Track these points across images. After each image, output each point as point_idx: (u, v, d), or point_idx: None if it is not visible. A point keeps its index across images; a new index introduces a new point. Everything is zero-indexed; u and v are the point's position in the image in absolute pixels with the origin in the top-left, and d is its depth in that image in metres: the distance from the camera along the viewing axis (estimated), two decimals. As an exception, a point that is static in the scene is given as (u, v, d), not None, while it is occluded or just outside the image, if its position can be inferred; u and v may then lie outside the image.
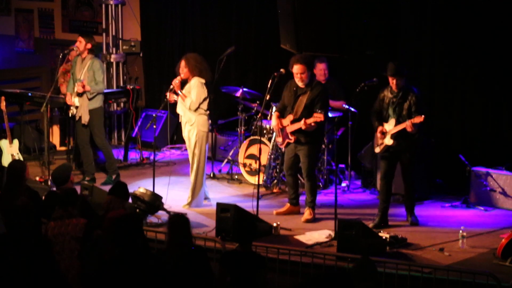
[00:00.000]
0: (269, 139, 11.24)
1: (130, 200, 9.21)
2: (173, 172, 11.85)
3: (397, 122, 9.51)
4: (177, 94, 10.32)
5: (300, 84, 9.81)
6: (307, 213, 9.95)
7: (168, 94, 10.39)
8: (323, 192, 10.97)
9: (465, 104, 11.10)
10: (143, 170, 12.26)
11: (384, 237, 8.84)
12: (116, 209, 7.87)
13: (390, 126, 9.58)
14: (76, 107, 11.20)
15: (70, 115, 11.41)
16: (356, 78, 10.64)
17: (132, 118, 12.98)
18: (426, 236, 9.35)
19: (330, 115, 10.68)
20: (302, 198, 10.20)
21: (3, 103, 11.78)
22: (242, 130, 11.92)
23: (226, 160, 12.10)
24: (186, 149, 10.79)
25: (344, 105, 11.03)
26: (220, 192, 11.09)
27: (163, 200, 9.87)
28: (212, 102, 10.72)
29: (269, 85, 9.87)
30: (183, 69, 10.30)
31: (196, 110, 10.25)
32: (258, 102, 11.77)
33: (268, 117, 11.31)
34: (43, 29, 14.93)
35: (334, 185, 10.09)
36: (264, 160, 11.01)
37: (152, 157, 11.69)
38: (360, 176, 11.46)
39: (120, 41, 13.86)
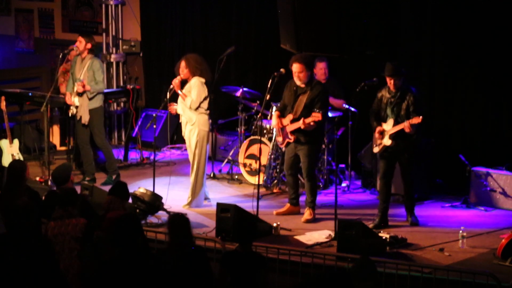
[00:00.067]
0: (269, 139, 11.24)
1: (130, 200, 9.21)
2: (173, 172, 11.85)
3: (396, 122, 9.51)
4: (174, 105, 10.35)
5: (298, 83, 9.82)
6: (307, 213, 9.95)
7: (169, 106, 10.44)
8: (323, 192, 10.97)
9: (465, 104, 11.11)
10: (143, 170, 12.26)
11: (384, 237, 8.84)
12: (116, 209, 7.89)
13: (388, 126, 9.58)
14: (76, 107, 11.21)
15: (70, 115, 11.41)
16: (356, 78, 10.64)
17: (132, 118, 12.99)
18: (426, 236, 9.35)
19: (330, 114, 10.69)
20: (302, 198, 10.21)
21: (3, 103, 11.79)
22: (242, 130, 11.92)
23: (226, 160, 12.09)
24: (186, 149, 10.79)
25: (344, 105, 11.04)
26: (220, 192, 11.09)
27: (163, 200, 9.87)
28: (212, 102, 10.72)
29: (269, 85, 9.88)
30: (183, 70, 10.30)
31: (196, 109, 10.25)
32: (258, 102, 11.77)
33: (268, 117, 11.31)
34: (43, 29, 14.93)
35: (334, 185, 10.10)
36: (264, 160, 11.00)
37: (152, 157, 11.69)
38: (360, 176, 11.45)
39: (120, 41, 13.86)
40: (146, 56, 14.04)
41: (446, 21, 11.05)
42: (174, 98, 10.55)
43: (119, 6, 13.81)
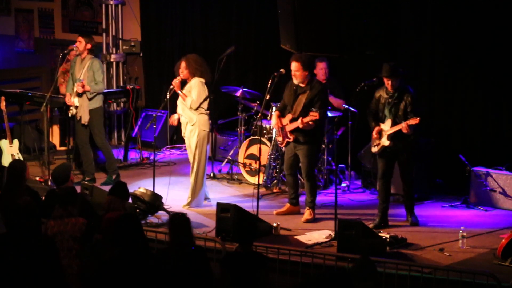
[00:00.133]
0: (269, 139, 11.24)
1: (130, 200, 9.21)
2: (173, 172, 11.85)
3: (394, 123, 9.51)
4: (174, 116, 10.38)
5: (295, 82, 9.85)
6: (307, 213, 9.95)
7: (171, 118, 10.46)
8: (323, 192, 10.97)
9: (465, 104, 11.10)
10: (143, 170, 12.26)
11: (384, 237, 8.83)
12: (116, 209, 7.89)
13: (386, 127, 9.58)
14: (76, 107, 11.21)
15: (70, 115, 11.41)
16: (356, 78, 10.64)
17: (132, 118, 12.99)
18: (426, 236, 9.35)
19: (330, 115, 10.69)
20: (302, 199, 10.20)
21: (3, 103, 11.79)
22: (242, 130, 11.92)
23: (226, 160, 12.09)
24: (186, 149, 10.79)
25: (344, 105, 11.04)
26: (220, 192, 11.09)
27: (163, 200, 9.87)
28: (212, 102, 10.72)
29: (269, 85, 9.88)
30: (183, 70, 10.30)
31: (196, 109, 10.25)
32: (258, 102, 11.77)
33: (268, 117, 11.31)
34: (43, 29, 14.93)
35: (334, 185, 10.10)
36: (264, 160, 11.01)
37: (152, 157, 11.69)
38: (360, 176, 11.45)
39: (120, 41, 13.86)
40: (146, 56, 14.03)
41: (446, 21, 11.05)
42: (174, 98, 10.55)
43: (119, 6, 13.81)
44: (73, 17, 14.60)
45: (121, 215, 7.18)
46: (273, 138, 11.03)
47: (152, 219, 9.74)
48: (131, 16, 13.96)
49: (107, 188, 9.09)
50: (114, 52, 13.83)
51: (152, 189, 9.94)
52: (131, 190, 8.92)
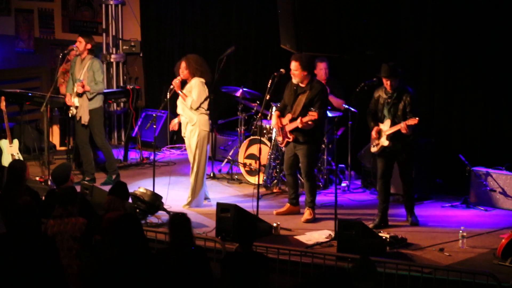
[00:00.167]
0: (269, 139, 11.24)
1: (130, 200, 9.21)
2: (173, 172, 11.85)
3: (393, 123, 9.51)
4: (174, 121, 10.39)
5: (294, 82, 9.86)
6: (307, 213, 9.95)
7: (171, 122, 10.46)
8: (323, 192, 10.97)
9: (465, 104, 11.10)
10: (143, 170, 12.25)
11: (384, 237, 8.83)
12: (116, 209, 7.89)
13: (385, 127, 9.58)
14: (76, 107, 11.21)
15: (70, 115, 11.41)
16: (356, 78, 10.64)
17: (132, 118, 12.99)
18: (426, 236, 9.35)
19: (330, 114, 10.69)
20: (302, 199, 10.20)
21: (3, 103, 11.79)
22: (242, 130, 11.92)
23: (226, 160, 12.09)
24: (185, 149, 10.79)
25: (344, 105, 11.04)
26: (220, 192, 11.09)
27: (163, 200, 9.87)
28: (212, 102, 10.72)
29: (269, 85, 9.89)
30: (183, 71, 10.30)
31: (197, 109, 10.25)
32: (258, 102, 11.77)
33: (268, 117, 11.31)
34: (43, 29, 14.93)
35: (334, 185, 10.10)
36: (264, 160, 11.01)
37: (152, 157, 11.69)
38: (360, 176, 11.45)
39: (120, 41, 13.86)
40: (146, 56, 14.04)
41: (446, 21, 11.05)
42: (174, 98, 10.55)
43: (119, 6, 13.81)
44: (73, 17, 14.60)
45: (121, 215, 7.19)
46: (273, 138, 11.03)
47: (152, 219, 9.74)
48: (131, 16, 13.96)
49: (107, 188, 9.10)
50: (114, 52, 13.83)
51: (152, 189, 9.94)
52: (131, 190, 8.92)
